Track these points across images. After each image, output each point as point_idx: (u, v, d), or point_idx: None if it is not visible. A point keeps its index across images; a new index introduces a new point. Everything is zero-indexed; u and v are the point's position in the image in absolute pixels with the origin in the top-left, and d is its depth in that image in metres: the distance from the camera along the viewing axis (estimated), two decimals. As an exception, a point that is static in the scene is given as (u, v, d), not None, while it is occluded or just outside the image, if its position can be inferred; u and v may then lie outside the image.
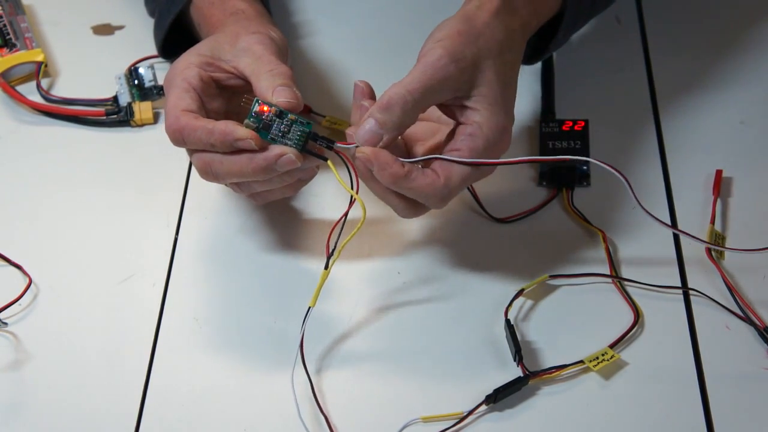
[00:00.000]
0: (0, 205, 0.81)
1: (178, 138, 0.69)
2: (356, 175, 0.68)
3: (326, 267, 0.68)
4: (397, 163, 0.67)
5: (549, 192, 0.80)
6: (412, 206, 0.70)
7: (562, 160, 0.79)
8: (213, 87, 0.72)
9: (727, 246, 0.75)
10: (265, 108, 0.67)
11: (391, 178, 0.66)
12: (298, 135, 0.68)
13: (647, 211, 0.69)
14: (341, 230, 0.68)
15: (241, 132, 0.67)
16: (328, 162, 0.68)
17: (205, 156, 0.69)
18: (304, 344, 0.69)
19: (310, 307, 0.68)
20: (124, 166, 0.84)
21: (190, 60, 0.72)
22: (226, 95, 0.74)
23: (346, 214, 0.68)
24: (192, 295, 0.75)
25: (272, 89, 0.68)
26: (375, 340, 0.72)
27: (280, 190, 0.72)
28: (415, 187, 0.67)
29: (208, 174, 0.70)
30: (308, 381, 0.68)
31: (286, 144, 0.67)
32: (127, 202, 0.81)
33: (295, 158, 0.67)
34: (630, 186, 0.68)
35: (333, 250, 0.68)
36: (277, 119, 0.67)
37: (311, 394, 0.68)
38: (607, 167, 0.67)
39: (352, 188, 0.67)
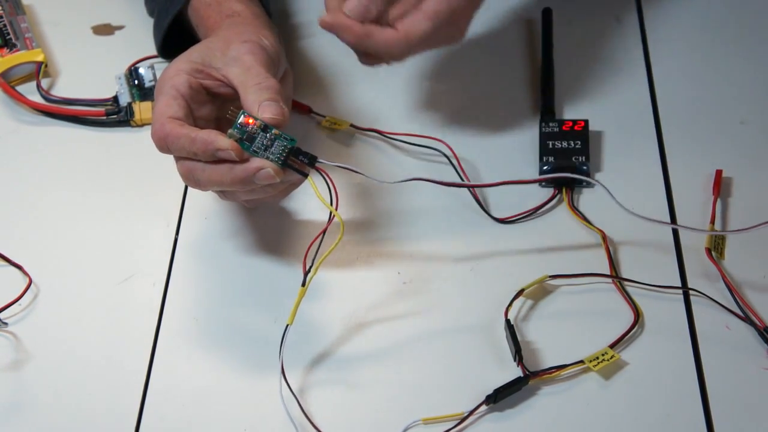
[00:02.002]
0: (0, 205, 0.81)
1: (162, 145, 0.69)
2: (336, 192, 0.68)
3: (303, 284, 0.67)
4: (357, 24, 0.73)
5: (549, 192, 0.80)
6: (370, 57, 0.76)
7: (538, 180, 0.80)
8: (203, 94, 0.72)
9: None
10: (251, 120, 0.67)
11: (353, 39, 0.73)
12: (280, 150, 0.68)
13: (641, 216, 0.69)
14: (320, 245, 0.68)
15: (222, 142, 0.67)
16: (308, 179, 0.68)
17: (188, 163, 0.69)
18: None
19: (287, 325, 0.67)
20: (124, 166, 0.84)
21: (180, 66, 0.72)
22: (218, 102, 0.73)
23: (324, 231, 0.68)
24: (192, 295, 0.75)
25: (258, 104, 0.68)
26: (375, 342, 0.72)
27: (270, 197, 0.72)
28: (374, 43, 0.73)
29: (190, 180, 0.70)
30: (298, 389, 0.68)
31: (267, 158, 0.67)
32: (127, 202, 0.81)
33: (274, 173, 0.67)
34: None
35: (311, 266, 0.67)
36: (262, 132, 0.67)
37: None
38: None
39: (331, 204, 0.67)
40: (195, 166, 0.69)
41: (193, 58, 0.73)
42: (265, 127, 0.67)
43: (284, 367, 0.68)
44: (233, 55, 0.72)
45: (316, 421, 0.67)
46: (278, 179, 0.68)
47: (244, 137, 0.67)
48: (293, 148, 0.68)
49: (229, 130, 0.67)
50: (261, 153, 0.68)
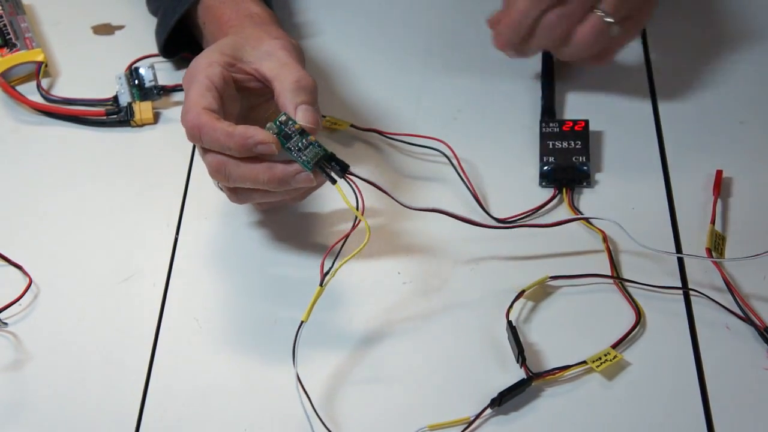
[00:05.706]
0: (0, 205, 0.81)
1: (195, 135, 0.69)
2: (362, 199, 0.68)
3: (321, 284, 0.67)
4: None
5: (549, 192, 0.80)
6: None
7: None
8: (233, 88, 0.72)
9: (726, 257, 0.74)
10: (290, 122, 0.69)
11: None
12: (313, 154, 0.68)
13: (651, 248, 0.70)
14: (342, 247, 0.69)
15: (262, 135, 0.67)
16: (336, 185, 0.68)
17: (221, 156, 0.69)
18: (299, 349, 0.68)
19: (302, 322, 0.67)
20: (124, 166, 0.84)
21: (213, 58, 0.72)
22: (243, 96, 0.74)
23: (347, 235, 0.69)
24: (192, 295, 0.75)
25: (295, 105, 0.69)
26: (375, 346, 0.71)
27: (288, 200, 0.73)
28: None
29: (220, 174, 0.70)
30: (306, 394, 0.68)
31: (300, 159, 0.68)
32: (127, 202, 0.81)
33: (313, 176, 0.68)
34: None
35: (331, 267, 0.67)
36: (298, 135, 0.68)
37: (311, 402, 0.67)
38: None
39: (357, 209, 0.68)
40: (228, 160, 0.69)
41: (225, 51, 0.73)
42: (302, 132, 0.69)
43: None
44: (266, 50, 0.72)
45: (317, 426, 0.67)
46: (314, 183, 0.68)
47: (281, 134, 0.68)
48: (326, 154, 0.69)
49: (269, 124, 0.68)
50: (295, 152, 0.68)
